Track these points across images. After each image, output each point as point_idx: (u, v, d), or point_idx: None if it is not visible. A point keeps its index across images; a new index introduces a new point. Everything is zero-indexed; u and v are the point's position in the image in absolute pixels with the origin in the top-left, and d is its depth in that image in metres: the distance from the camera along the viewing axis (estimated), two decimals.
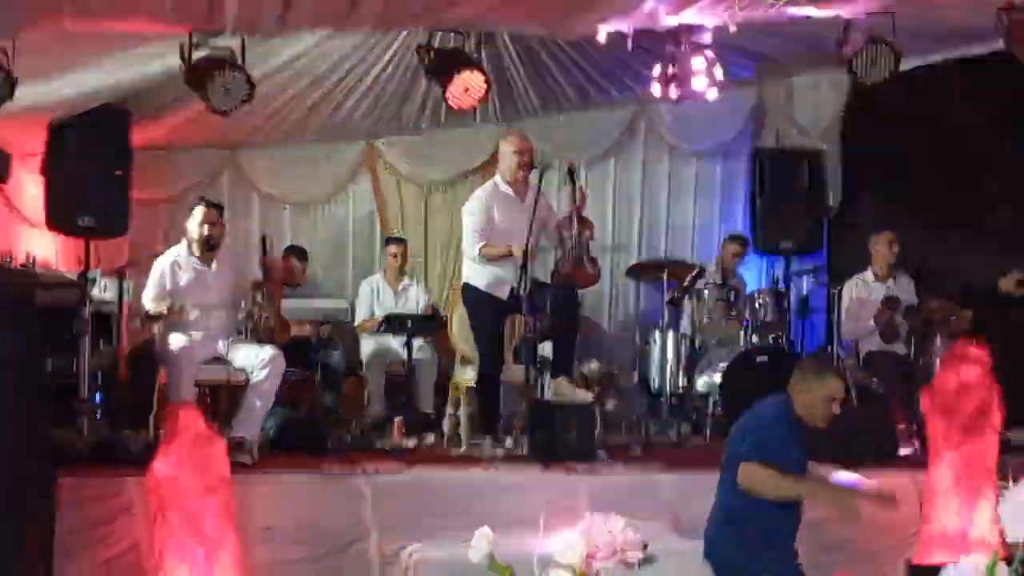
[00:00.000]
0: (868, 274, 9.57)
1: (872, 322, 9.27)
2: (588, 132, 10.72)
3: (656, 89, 8.26)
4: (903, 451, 7.99)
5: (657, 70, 8.14)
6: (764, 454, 5.61)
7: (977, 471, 7.09)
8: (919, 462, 7.44)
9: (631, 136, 10.89)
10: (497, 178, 8.22)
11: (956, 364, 7.23)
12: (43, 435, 6.36)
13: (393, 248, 9.96)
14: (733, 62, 9.45)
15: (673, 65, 8.33)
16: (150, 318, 7.78)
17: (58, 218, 8.51)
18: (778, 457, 5.61)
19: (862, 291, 9.50)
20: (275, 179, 10.63)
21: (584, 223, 8.14)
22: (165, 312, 7.61)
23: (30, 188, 8.68)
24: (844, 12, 7.74)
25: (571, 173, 8.11)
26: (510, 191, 8.12)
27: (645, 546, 3.52)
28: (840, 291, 9.15)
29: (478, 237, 8.04)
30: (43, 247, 8.82)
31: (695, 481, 7.08)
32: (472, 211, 8.13)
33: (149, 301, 7.75)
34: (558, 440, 7.45)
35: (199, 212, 7.86)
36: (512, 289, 7.92)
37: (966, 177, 10.19)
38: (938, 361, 8.49)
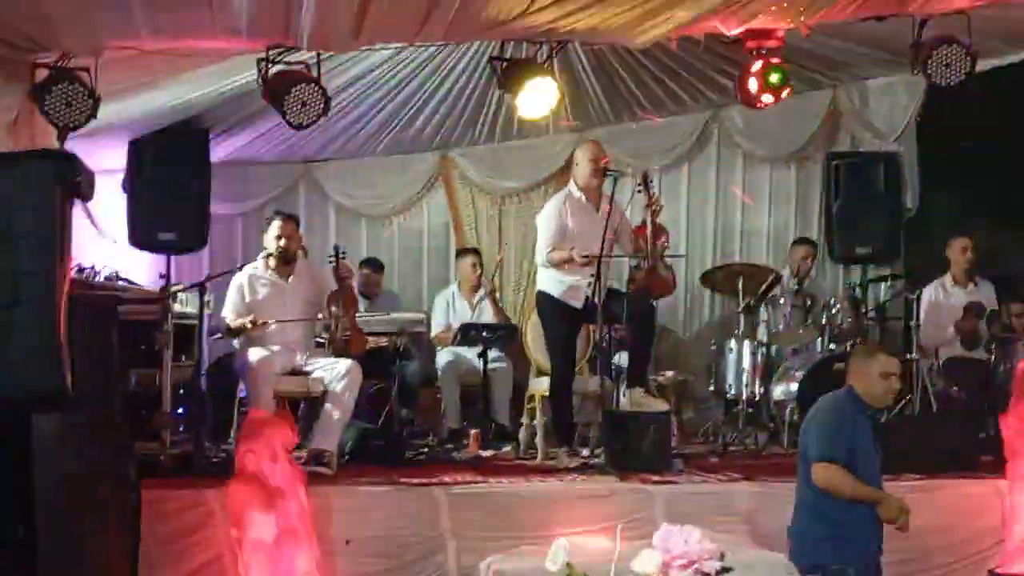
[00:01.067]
0: (947, 279, 9.46)
1: (952, 328, 9.16)
2: (661, 139, 10.68)
3: (732, 92, 8.20)
4: (984, 459, 7.86)
5: (730, 76, 8.09)
6: (829, 447, 5.77)
7: None
8: (1000, 471, 7.33)
9: (704, 142, 10.83)
10: (571, 186, 8.23)
11: None
12: (127, 448, 6.45)
13: (469, 259, 9.99)
14: (806, 65, 9.40)
15: (746, 70, 8.26)
16: (231, 332, 7.90)
17: (139, 233, 8.69)
18: (842, 445, 5.75)
19: (941, 297, 9.39)
20: (350, 191, 10.73)
21: (659, 231, 8.12)
22: (246, 326, 7.72)
23: (112, 204, 8.82)
24: (918, 13, 7.65)
25: (646, 181, 8.09)
26: (584, 198, 8.12)
27: (722, 555, 3.51)
28: (919, 297, 9.04)
29: (549, 243, 8.05)
30: (125, 262, 8.95)
31: (772, 491, 7.07)
32: (546, 218, 8.14)
33: (229, 315, 7.87)
34: (633, 450, 7.45)
35: (275, 226, 7.96)
36: (587, 297, 7.92)
37: None
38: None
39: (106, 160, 8.75)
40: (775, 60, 8.02)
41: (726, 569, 3.56)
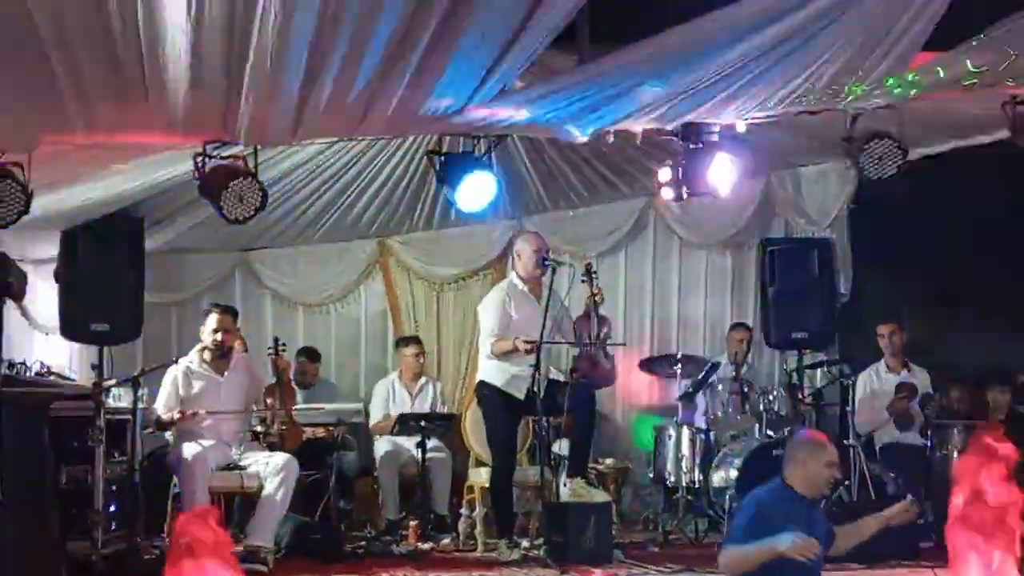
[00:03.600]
0: (881, 365, 9.57)
1: (886, 412, 9.23)
2: (598, 226, 10.74)
3: (667, 193, 8.27)
4: (924, 546, 7.88)
5: (666, 172, 8.16)
6: (731, 537, 5.75)
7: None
8: (941, 558, 7.33)
9: (641, 229, 10.89)
10: (513, 276, 8.28)
11: (980, 460, 7.14)
12: (55, 547, 6.32)
13: (411, 349, 9.94)
14: (740, 155, 9.49)
15: (682, 163, 8.35)
16: (161, 426, 7.80)
17: (72, 324, 8.54)
18: (750, 535, 5.59)
19: (875, 382, 9.49)
20: (287, 279, 10.67)
21: (602, 321, 8.16)
22: (174, 417, 7.62)
23: (44, 295, 8.70)
24: (849, 108, 7.77)
25: (589, 272, 8.15)
26: (527, 289, 8.16)
27: None
28: (854, 383, 9.10)
29: (493, 334, 8.05)
30: (57, 353, 8.81)
31: None
32: (490, 309, 8.17)
33: (161, 408, 7.77)
34: (575, 542, 7.41)
35: (212, 319, 7.91)
36: (528, 388, 7.90)
37: (977, 264, 10.18)
38: (956, 453, 8.45)
39: (38, 250, 8.65)
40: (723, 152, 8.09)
41: None
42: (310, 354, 10.06)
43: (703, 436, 9.34)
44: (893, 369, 9.51)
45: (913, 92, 6.98)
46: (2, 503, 5.00)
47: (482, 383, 8.22)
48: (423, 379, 9.90)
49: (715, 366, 9.46)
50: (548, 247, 8.35)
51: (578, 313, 8.32)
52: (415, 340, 10.09)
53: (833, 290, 10.12)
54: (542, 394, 7.86)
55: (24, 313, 8.95)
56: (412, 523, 8.45)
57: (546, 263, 8.03)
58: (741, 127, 7.64)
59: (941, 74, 6.78)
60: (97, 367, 8.40)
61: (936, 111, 7.95)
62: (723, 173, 8.06)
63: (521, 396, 7.99)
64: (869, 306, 10.51)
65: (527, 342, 7.80)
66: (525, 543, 8.00)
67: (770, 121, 7.76)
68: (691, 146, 7.97)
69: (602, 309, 8.36)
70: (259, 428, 8.09)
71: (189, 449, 7.57)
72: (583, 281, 8.16)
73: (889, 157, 7.91)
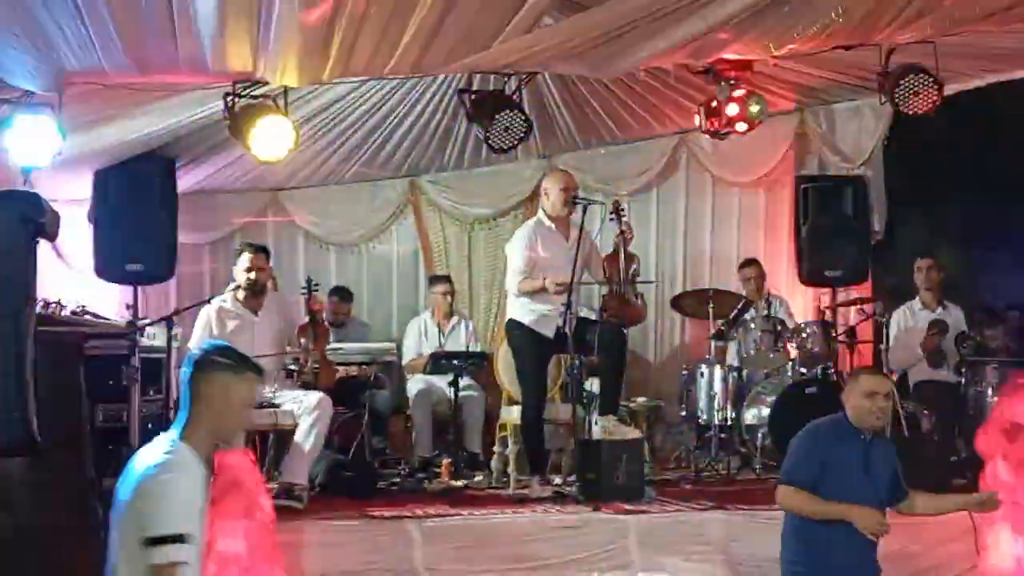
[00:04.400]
0: (916, 303, 9.50)
1: (920, 350, 9.19)
2: (630, 165, 10.69)
3: (698, 121, 8.21)
4: (956, 483, 7.86)
5: (699, 104, 8.11)
6: (789, 470, 5.68)
7: None
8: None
9: (673, 168, 10.83)
10: (541, 214, 8.22)
11: (1013, 395, 7.12)
12: (91, 485, 6.38)
13: (440, 287, 9.94)
14: (774, 91, 9.43)
15: (714, 98, 8.28)
16: None
17: (106, 265, 8.58)
18: (804, 469, 5.62)
19: (909, 320, 9.43)
20: (318, 219, 10.68)
21: (630, 259, 8.13)
22: None
23: (78, 236, 8.74)
24: (885, 42, 7.68)
25: (618, 210, 8.10)
26: (554, 227, 8.12)
27: None
28: (888, 320, 9.06)
29: (520, 273, 8.03)
30: (92, 293, 8.87)
31: (745, 517, 7.09)
32: (516, 247, 8.13)
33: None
34: (607, 479, 7.43)
35: (245, 258, 7.91)
36: (558, 327, 7.89)
37: (1014, 202, 10.07)
38: (990, 390, 8.42)
39: (72, 191, 8.69)
40: (746, 89, 8.04)
41: None
42: (342, 293, 10.10)
43: (735, 374, 9.33)
44: (928, 306, 9.44)
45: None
46: (38, 441, 5.03)
47: (511, 322, 8.21)
48: (455, 318, 9.91)
49: (749, 303, 9.41)
50: (577, 185, 8.29)
51: (607, 252, 8.28)
52: (446, 279, 10.10)
53: (867, 228, 10.05)
54: (572, 333, 7.84)
55: (59, 254, 9.01)
56: (445, 461, 8.48)
57: (577, 201, 7.99)
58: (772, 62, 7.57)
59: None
60: (132, 307, 8.47)
61: (972, 44, 7.85)
62: (755, 110, 8.03)
63: (551, 335, 7.97)
64: (903, 244, 10.45)
65: (557, 284, 7.78)
66: (557, 480, 8.03)
67: (804, 56, 7.70)
68: (723, 83, 7.91)
69: (633, 247, 8.33)
70: (292, 367, 8.13)
71: None
72: (611, 219, 8.11)
73: (925, 92, 7.83)
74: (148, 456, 4.01)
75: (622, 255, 8.04)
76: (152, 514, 3.86)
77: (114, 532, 4.00)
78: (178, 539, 3.85)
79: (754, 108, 8.17)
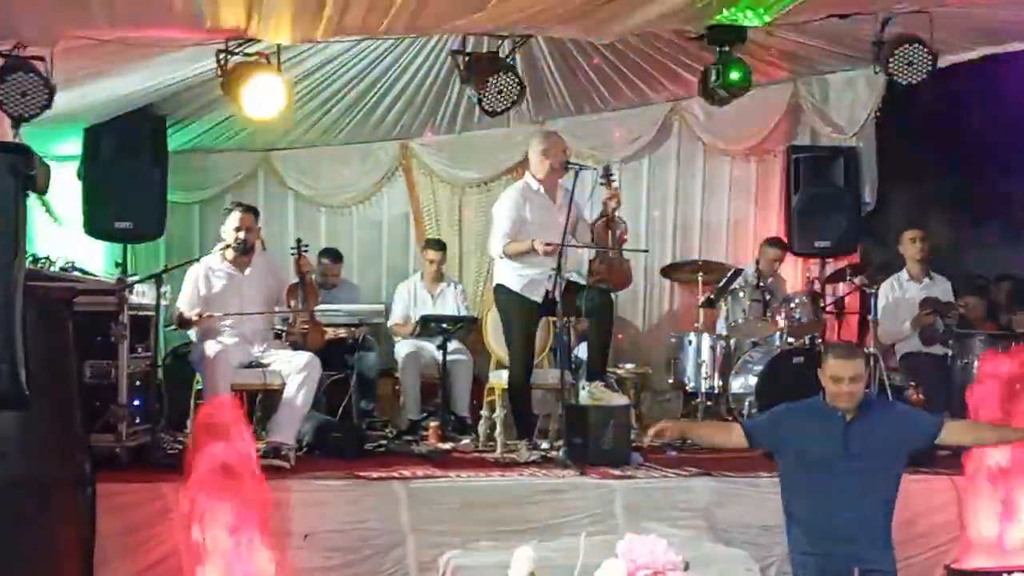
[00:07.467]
0: (903, 274, 9.50)
1: (908, 324, 9.20)
2: (621, 131, 10.67)
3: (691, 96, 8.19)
4: (941, 454, 7.90)
5: (692, 69, 8.09)
6: (752, 420, 6.22)
7: (1016, 476, 7.02)
8: (957, 467, 7.36)
9: (665, 135, 10.82)
10: (528, 177, 8.18)
11: (997, 365, 7.16)
12: (81, 441, 6.38)
13: (432, 253, 9.91)
14: (767, 60, 9.41)
15: (708, 67, 8.25)
16: (183, 324, 7.84)
17: (95, 222, 8.52)
18: (765, 428, 5.99)
19: (897, 291, 9.43)
20: (309, 181, 10.66)
21: (618, 224, 8.11)
22: (195, 319, 7.66)
23: (67, 193, 8.70)
24: (881, 11, 7.66)
25: (607, 175, 8.07)
26: (542, 190, 8.09)
27: (687, 566, 3.50)
28: (876, 292, 9.07)
29: (507, 235, 8.00)
30: (81, 250, 8.84)
31: (731, 485, 7.10)
32: (502, 209, 8.08)
33: (184, 307, 7.80)
34: (593, 444, 7.44)
35: (234, 217, 7.89)
36: (547, 291, 7.89)
37: (1004, 175, 10.09)
38: (976, 362, 8.44)
39: (61, 147, 8.64)
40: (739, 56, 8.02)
41: None
42: (332, 255, 10.08)
43: (723, 343, 9.35)
44: (915, 277, 9.45)
45: None
46: (26, 396, 5.02)
47: (499, 287, 8.19)
48: (444, 282, 9.91)
49: (738, 272, 9.42)
50: (565, 147, 8.25)
51: (595, 216, 8.26)
52: (437, 243, 10.08)
53: (858, 199, 10.04)
54: (560, 297, 7.83)
55: (48, 210, 8.97)
56: (432, 424, 8.49)
57: (568, 166, 7.96)
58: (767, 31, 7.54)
59: None
60: (121, 265, 8.44)
61: (968, 16, 7.83)
62: (745, 77, 8.00)
63: (539, 300, 7.97)
64: (894, 216, 10.46)
65: (546, 244, 7.75)
66: (544, 444, 8.04)
67: (798, 25, 7.67)
68: (717, 49, 7.89)
69: (623, 214, 8.31)
70: (281, 327, 8.12)
71: (212, 347, 7.60)
72: (601, 183, 8.09)
73: (919, 63, 7.81)
74: None
75: (611, 219, 8.03)
76: None
77: None
78: None
79: (734, 75, 8.12)
